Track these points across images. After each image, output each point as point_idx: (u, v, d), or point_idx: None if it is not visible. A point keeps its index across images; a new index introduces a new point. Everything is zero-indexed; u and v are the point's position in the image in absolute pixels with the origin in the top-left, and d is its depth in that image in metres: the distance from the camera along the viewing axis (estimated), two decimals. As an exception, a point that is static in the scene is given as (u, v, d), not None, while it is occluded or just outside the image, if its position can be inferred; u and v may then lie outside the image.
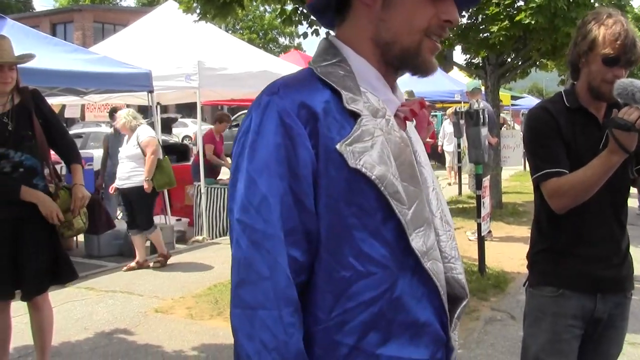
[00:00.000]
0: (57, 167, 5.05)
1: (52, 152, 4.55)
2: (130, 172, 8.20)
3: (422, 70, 1.57)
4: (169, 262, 8.66)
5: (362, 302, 1.42)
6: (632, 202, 11.49)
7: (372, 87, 1.53)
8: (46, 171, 4.46)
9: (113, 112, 10.48)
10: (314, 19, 8.42)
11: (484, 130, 7.80)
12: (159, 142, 8.56)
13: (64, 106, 13.10)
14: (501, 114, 14.19)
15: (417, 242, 1.45)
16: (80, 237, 9.41)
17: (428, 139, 14.93)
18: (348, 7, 1.56)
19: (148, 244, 8.86)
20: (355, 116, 1.43)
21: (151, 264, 8.37)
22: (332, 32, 1.64)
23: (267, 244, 1.35)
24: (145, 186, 8.03)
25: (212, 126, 11.84)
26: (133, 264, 8.27)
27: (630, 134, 2.34)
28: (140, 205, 8.21)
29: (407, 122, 1.62)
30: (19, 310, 4.94)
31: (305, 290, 1.43)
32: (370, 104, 1.48)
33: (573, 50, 2.75)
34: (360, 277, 1.41)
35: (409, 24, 1.50)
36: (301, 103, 1.40)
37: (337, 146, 1.38)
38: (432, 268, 1.48)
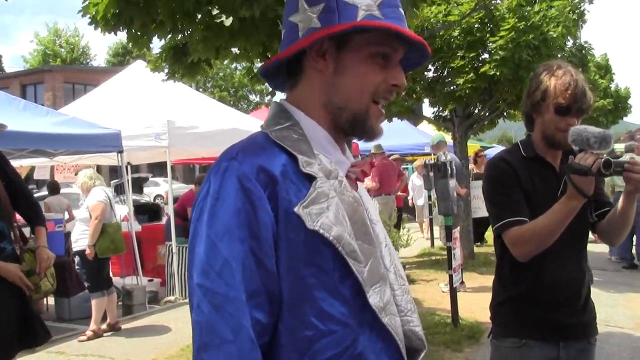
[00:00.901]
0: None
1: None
2: (79, 235, 8.15)
3: (369, 135, 1.64)
4: (141, 323, 8.58)
5: (324, 359, 1.43)
6: (602, 248, 11.69)
7: (324, 149, 1.58)
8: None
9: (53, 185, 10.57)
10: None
11: (452, 182, 7.88)
12: (109, 203, 8.41)
13: (33, 167, 13.03)
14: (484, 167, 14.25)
15: (374, 298, 1.48)
16: (51, 300, 9.28)
17: (400, 193, 15.00)
18: (300, 72, 1.62)
19: (120, 303, 8.75)
20: (310, 179, 1.47)
21: (104, 327, 8.17)
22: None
23: (230, 307, 1.36)
24: (87, 251, 7.88)
25: (183, 184, 11.79)
26: (97, 328, 8.06)
27: (587, 179, 2.41)
28: (86, 268, 8.09)
29: (357, 182, 1.67)
30: (-15, 377, 4.83)
31: (270, 350, 1.43)
32: (323, 165, 1.52)
33: (527, 101, 2.84)
34: (322, 335, 1.43)
35: (359, 90, 1.57)
36: (260, 167, 1.44)
37: (295, 209, 1.42)
38: (390, 323, 1.51)
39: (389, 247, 1.70)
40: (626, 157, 9.23)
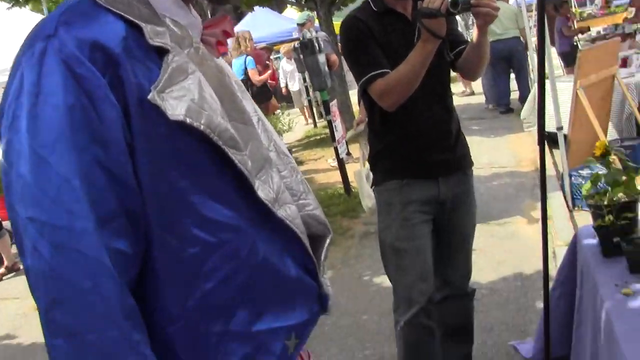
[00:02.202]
0: None
1: None
2: None
3: None
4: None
5: (222, 278, 1.18)
6: (478, 99, 12.09)
7: (168, 10, 1.22)
8: None
9: None
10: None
11: (322, 57, 7.90)
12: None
13: None
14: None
15: (262, 190, 1.23)
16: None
17: (270, 81, 14.85)
18: None
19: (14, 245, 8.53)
20: (160, 52, 1.14)
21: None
22: None
23: (78, 244, 1.04)
24: None
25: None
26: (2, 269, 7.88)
27: (438, 20, 2.47)
28: None
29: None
30: None
31: (144, 285, 1.16)
32: (173, 32, 1.19)
33: None
34: (212, 249, 1.17)
35: None
36: (93, 44, 1.08)
37: (149, 96, 1.08)
38: (286, 214, 1.27)
39: (262, 120, 1.42)
40: None
